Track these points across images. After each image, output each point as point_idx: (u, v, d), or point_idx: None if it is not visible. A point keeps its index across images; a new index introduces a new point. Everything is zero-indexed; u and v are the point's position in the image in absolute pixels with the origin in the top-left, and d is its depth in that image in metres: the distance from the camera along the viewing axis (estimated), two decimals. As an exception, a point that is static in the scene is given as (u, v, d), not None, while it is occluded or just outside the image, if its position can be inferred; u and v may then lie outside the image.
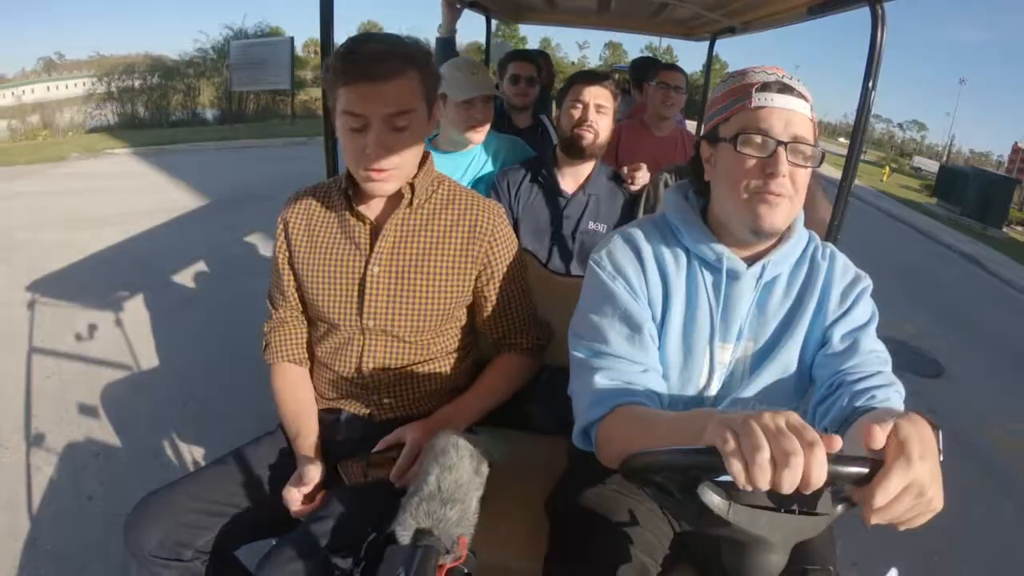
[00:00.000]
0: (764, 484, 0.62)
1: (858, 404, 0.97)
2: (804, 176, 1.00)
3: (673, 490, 0.77)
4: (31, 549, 2.09)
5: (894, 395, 0.99)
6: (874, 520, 0.66)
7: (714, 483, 0.73)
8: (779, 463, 0.61)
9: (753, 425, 0.64)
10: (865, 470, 0.66)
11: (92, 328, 3.70)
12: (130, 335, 3.67)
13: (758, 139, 0.98)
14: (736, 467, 0.62)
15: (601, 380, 1.01)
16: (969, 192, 14.61)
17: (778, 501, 0.73)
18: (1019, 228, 15.39)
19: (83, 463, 2.57)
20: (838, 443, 0.65)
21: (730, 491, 0.73)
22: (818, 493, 0.69)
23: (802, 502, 0.74)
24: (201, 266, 5.02)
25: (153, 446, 2.69)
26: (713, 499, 0.73)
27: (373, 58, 1.13)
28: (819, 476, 0.62)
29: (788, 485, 0.62)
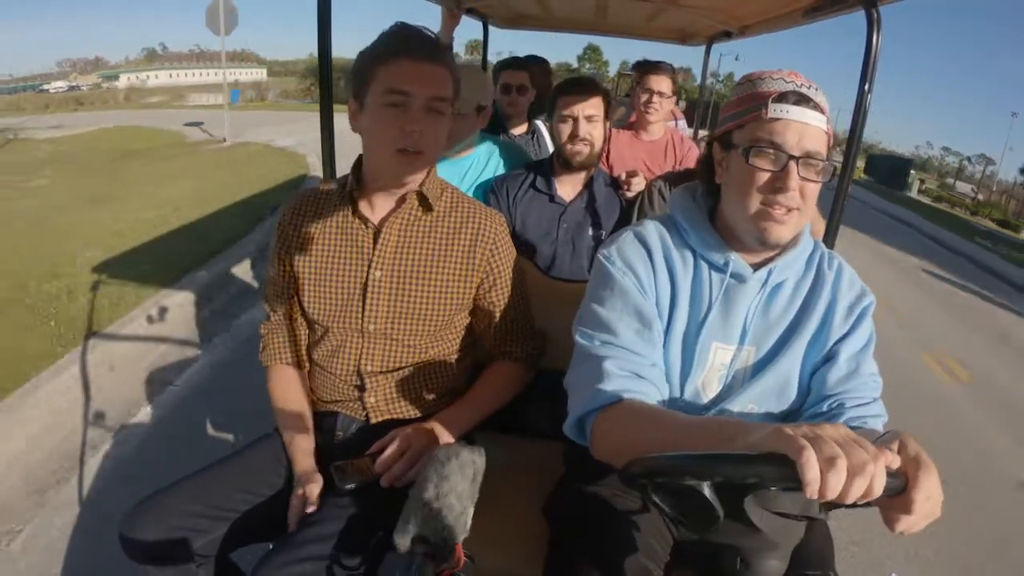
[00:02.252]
0: (835, 493, 0.63)
1: (852, 427, 0.99)
2: (814, 189, 1.00)
3: (706, 493, 0.76)
4: (76, 530, 2.14)
5: (879, 425, 1.04)
6: (900, 528, 0.70)
7: (757, 490, 0.73)
8: (853, 472, 0.63)
9: (822, 435, 0.65)
10: (899, 483, 0.69)
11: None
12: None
13: (770, 152, 0.97)
14: (812, 475, 0.62)
15: (607, 368, 1.00)
16: (883, 168, 25.14)
17: (807, 508, 0.73)
18: (928, 199, 24.36)
19: (144, 447, 2.65)
20: (891, 456, 0.68)
21: (768, 499, 0.73)
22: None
23: (807, 508, 0.73)
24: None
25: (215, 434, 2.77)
26: (753, 508, 0.72)
27: (422, 40, 1.16)
28: (881, 485, 0.64)
29: (855, 494, 0.63)
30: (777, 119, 0.97)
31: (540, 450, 1.57)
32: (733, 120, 1.04)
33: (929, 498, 0.68)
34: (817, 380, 1.08)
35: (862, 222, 13.00)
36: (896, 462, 0.69)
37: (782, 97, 0.98)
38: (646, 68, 2.74)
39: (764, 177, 0.98)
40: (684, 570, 1.14)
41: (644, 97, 2.67)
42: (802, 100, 0.97)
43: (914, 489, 0.68)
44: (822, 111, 0.99)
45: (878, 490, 0.64)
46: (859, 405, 1.04)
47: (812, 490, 0.62)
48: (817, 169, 0.98)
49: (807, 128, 0.97)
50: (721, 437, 0.76)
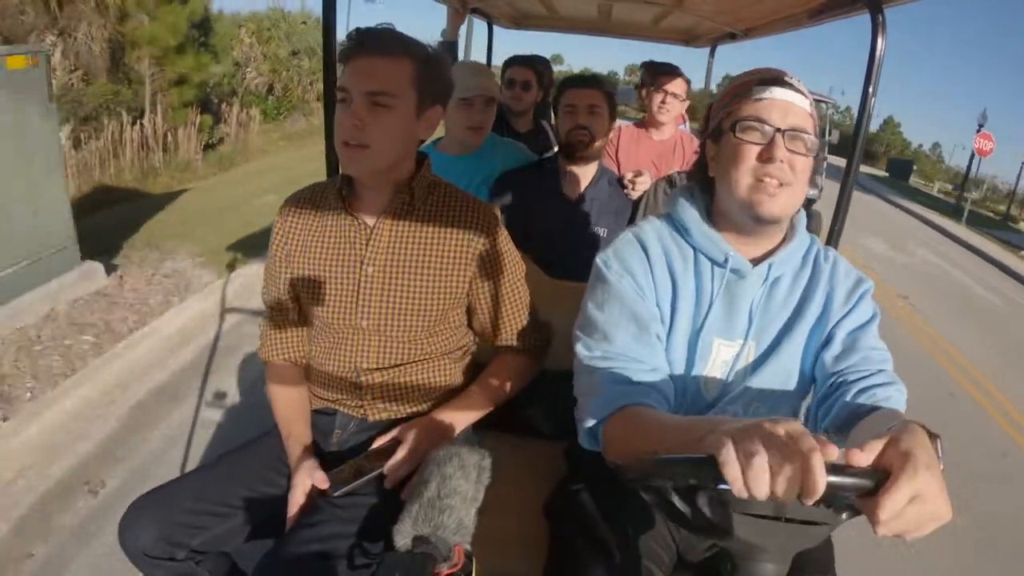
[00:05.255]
0: (762, 492, 0.61)
1: (860, 402, 0.97)
2: (803, 164, 1.01)
3: (672, 498, 0.76)
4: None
5: (895, 394, 0.99)
6: (882, 531, 0.65)
7: (715, 491, 0.72)
8: (775, 470, 0.61)
9: (750, 432, 0.64)
10: (867, 482, 0.65)
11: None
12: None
13: (756, 126, 1.00)
14: (732, 474, 0.62)
15: (609, 379, 1.00)
16: (896, 167, 32.00)
17: (779, 510, 0.72)
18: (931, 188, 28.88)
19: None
20: (835, 452, 0.63)
21: (731, 500, 0.72)
22: (819, 503, 0.69)
23: (803, 511, 0.73)
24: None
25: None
26: (712, 508, 0.72)
27: (369, 36, 1.16)
28: (817, 484, 0.60)
29: (785, 493, 0.61)
30: (761, 99, 1.01)
31: (541, 450, 1.57)
32: (722, 111, 1.07)
33: (916, 499, 0.64)
34: (819, 365, 1.08)
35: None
36: (864, 459, 0.67)
37: (765, 81, 1.02)
38: (660, 69, 2.74)
39: (753, 150, 1.00)
40: (686, 571, 1.14)
41: (659, 97, 2.68)
42: (784, 84, 1.02)
43: (884, 493, 0.64)
44: (804, 95, 1.03)
45: (816, 489, 0.60)
46: (863, 378, 1.01)
47: (736, 488, 0.62)
48: (806, 144, 1.00)
49: (791, 106, 1.01)
50: (691, 439, 0.74)
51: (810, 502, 0.62)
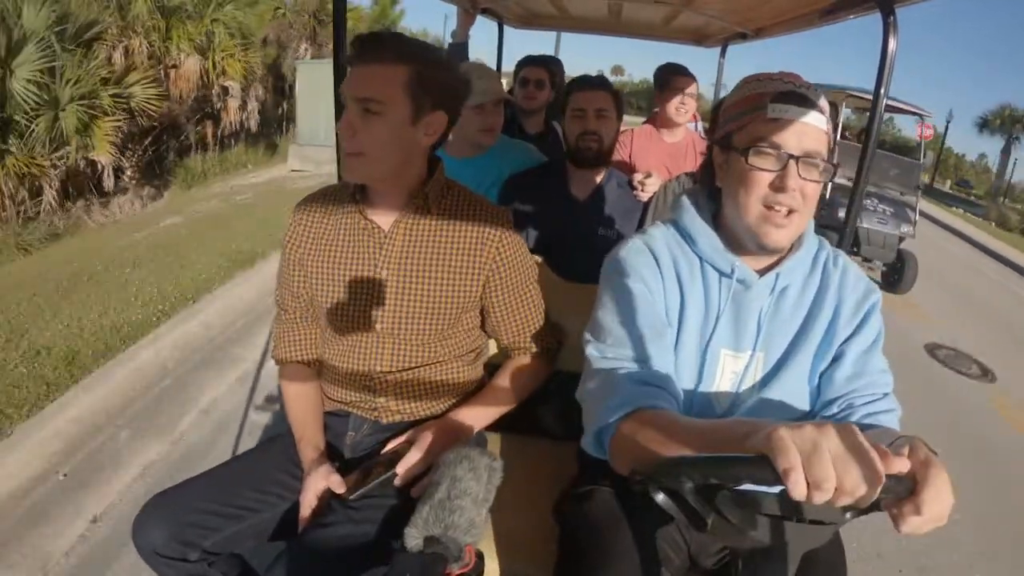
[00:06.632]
0: (824, 497, 0.62)
1: (864, 424, 0.99)
2: (814, 190, 0.99)
3: (688, 498, 0.76)
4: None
5: (894, 419, 1.03)
6: (909, 528, 0.68)
7: (731, 491, 0.72)
8: (841, 491, 0.62)
9: (823, 449, 0.62)
10: (904, 487, 0.67)
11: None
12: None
13: (771, 152, 0.96)
14: (795, 478, 0.61)
15: (624, 381, 0.98)
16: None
17: (794, 511, 0.73)
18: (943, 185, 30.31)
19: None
20: (897, 464, 0.65)
21: (747, 501, 0.72)
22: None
23: (813, 511, 0.73)
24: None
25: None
26: (732, 509, 0.72)
27: (366, 43, 1.16)
28: (871, 498, 0.63)
29: (845, 498, 0.62)
30: (777, 119, 0.97)
31: (551, 451, 1.57)
32: (733, 121, 1.04)
33: (938, 500, 0.67)
34: (825, 381, 1.07)
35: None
36: (905, 465, 0.68)
37: (781, 97, 0.97)
38: (675, 70, 2.74)
39: (765, 178, 0.97)
40: (696, 573, 1.14)
41: (676, 99, 2.67)
42: (802, 100, 0.97)
43: (923, 494, 0.67)
44: (822, 112, 0.99)
45: (867, 503, 0.63)
46: (869, 403, 1.02)
47: (799, 492, 0.61)
48: (819, 169, 0.98)
49: (807, 128, 0.97)
50: (729, 439, 0.74)
51: (863, 506, 0.64)
